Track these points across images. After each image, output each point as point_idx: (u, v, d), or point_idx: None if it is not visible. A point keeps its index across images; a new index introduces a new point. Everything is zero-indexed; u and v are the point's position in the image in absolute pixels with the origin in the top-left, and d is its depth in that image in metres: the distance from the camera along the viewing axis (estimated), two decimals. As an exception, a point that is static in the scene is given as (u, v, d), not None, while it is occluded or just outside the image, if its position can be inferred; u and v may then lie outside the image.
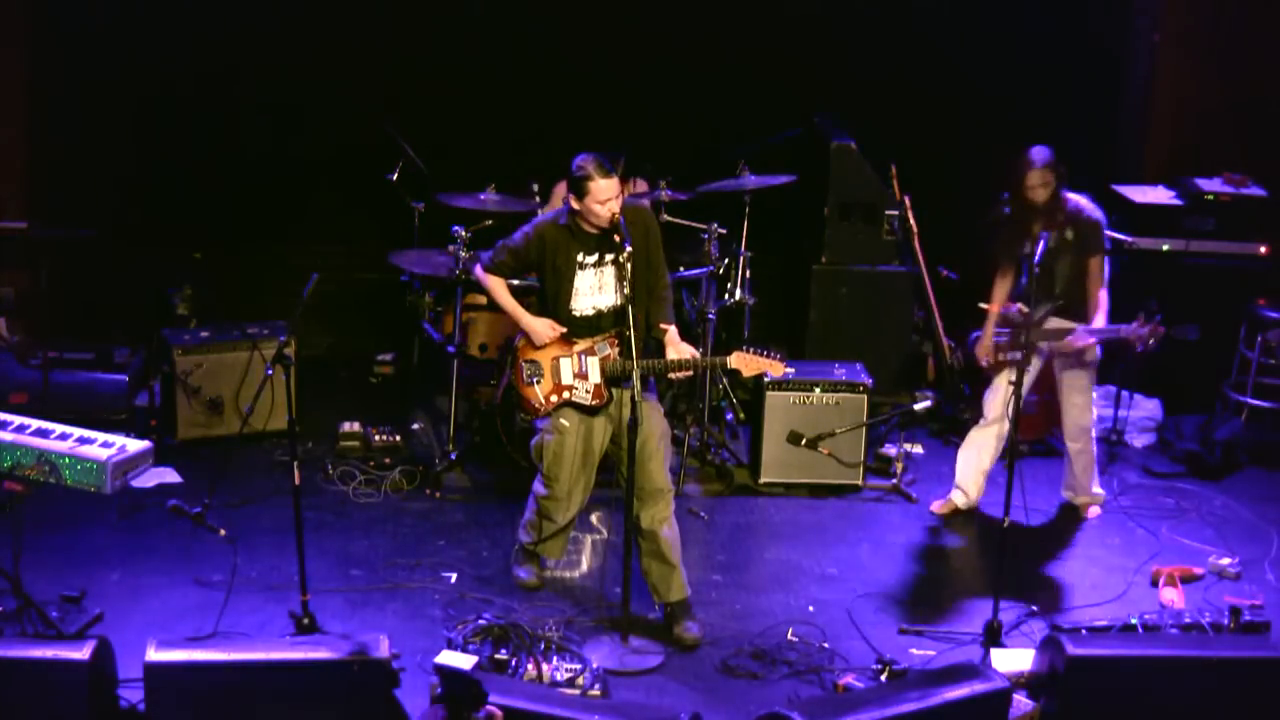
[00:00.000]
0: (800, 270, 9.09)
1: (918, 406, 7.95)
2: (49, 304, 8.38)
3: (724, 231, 7.97)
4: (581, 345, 6.33)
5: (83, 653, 5.25)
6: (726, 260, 7.98)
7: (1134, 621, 6.22)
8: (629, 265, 6.10)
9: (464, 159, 8.82)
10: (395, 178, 8.20)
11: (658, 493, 6.29)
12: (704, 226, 7.94)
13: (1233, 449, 8.18)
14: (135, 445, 7.52)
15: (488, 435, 7.83)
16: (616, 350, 6.28)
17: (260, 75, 9.19)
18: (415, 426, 7.97)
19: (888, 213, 8.55)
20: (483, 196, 7.93)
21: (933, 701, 5.25)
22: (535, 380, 6.36)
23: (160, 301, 8.69)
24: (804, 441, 7.75)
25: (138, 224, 9.14)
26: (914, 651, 6.28)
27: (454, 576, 6.77)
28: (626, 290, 6.13)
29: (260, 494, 7.42)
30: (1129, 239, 8.58)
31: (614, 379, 6.31)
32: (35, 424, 7.55)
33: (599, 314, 6.33)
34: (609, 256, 6.26)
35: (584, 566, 6.94)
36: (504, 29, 9.36)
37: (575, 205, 6.18)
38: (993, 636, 6.25)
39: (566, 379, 6.32)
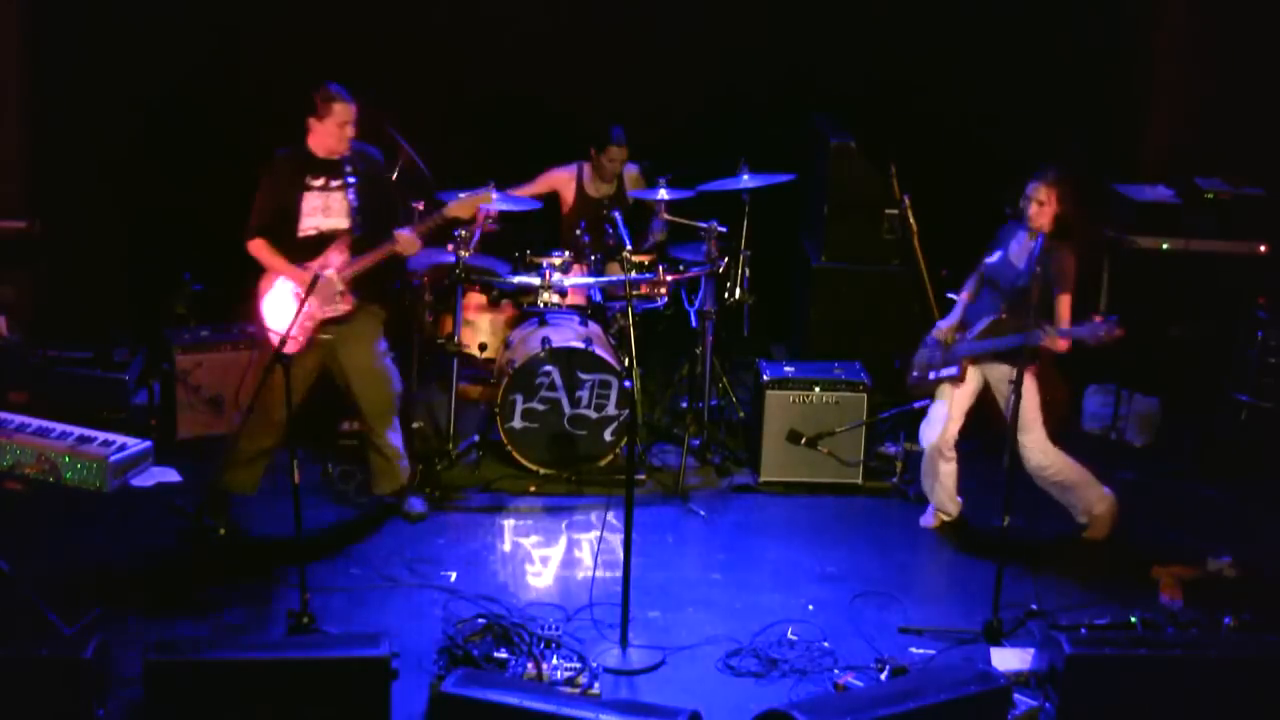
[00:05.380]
0: (800, 269, 9.09)
1: (917, 406, 7.95)
2: (49, 304, 8.36)
3: (723, 230, 7.97)
4: (315, 264, 6.69)
5: (83, 652, 5.26)
6: (726, 259, 7.98)
7: (1134, 621, 6.22)
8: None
9: (464, 158, 8.80)
10: (395, 177, 8.19)
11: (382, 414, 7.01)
12: (703, 225, 7.94)
13: (1232, 449, 8.18)
14: (135, 444, 7.55)
15: (487, 434, 7.82)
16: (347, 255, 6.71)
17: (260, 74, 9.18)
18: (415, 426, 7.95)
19: (887, 212, 8.54)
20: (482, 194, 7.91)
21: (932, 701, 5.26)
22: (288, 317, 6.51)
23: (160, 301, 8.67)
24: (804, 440, 7.75)
25: (138, 223, 9.13)
26: (914, 650, 6.28)
27: (454, 576, 6.78)
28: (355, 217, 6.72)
29: (260, 493, 7.41)
30: (1128, 237, 8.57)
31: (357, 285, 6.71)
32: (35, 422, 7.58)
33: (321, 235, 6.73)
34: (335, 182, 6.73)
35: (583, 566, 6.94)
36: (504, 28, 9.36)
37: (316, 125, 6.70)
38: (993, 636, 6.27)
39: (313, 305, 6.60)
